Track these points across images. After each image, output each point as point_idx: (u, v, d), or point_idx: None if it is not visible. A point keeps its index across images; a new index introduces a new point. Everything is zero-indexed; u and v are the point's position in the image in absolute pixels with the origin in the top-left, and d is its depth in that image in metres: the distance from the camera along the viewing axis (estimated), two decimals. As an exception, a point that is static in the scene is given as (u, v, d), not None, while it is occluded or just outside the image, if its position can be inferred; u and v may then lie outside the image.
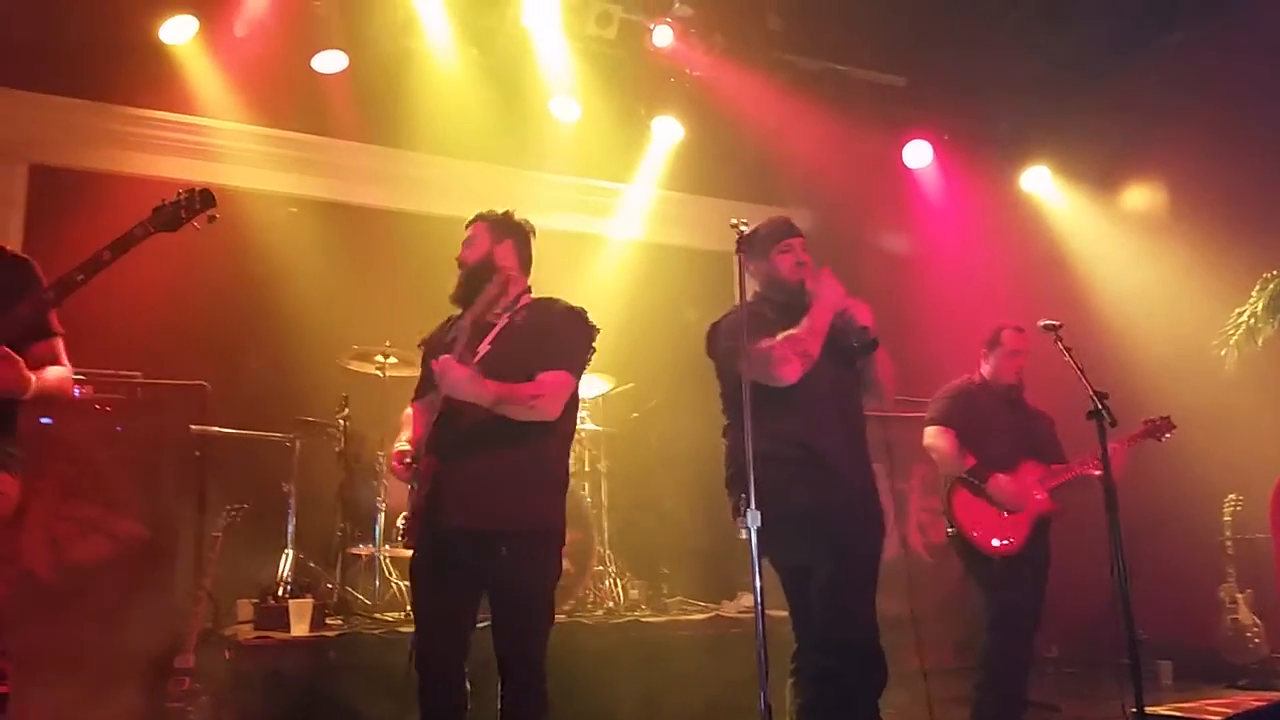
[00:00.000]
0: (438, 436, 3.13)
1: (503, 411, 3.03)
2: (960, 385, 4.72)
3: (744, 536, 2.86)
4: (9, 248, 3.00)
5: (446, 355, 3.08)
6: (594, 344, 3.26)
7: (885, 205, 7.22)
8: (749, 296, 3.47)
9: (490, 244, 3.35)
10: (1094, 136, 6.73)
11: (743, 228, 3.12)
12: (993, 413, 4.59)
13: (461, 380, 3.02)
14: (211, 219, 2.96)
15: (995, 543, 4.40)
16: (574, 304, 3.31)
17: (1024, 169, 7.19)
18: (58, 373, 2.91)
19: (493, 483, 3.06)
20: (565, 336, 3.19)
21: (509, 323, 3.25)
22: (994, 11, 6.24)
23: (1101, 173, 6.88)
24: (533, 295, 3.37)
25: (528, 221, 3.45)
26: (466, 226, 3.43)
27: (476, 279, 3.31)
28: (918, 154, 7.07)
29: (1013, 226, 7.09)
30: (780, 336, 3.26)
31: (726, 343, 3.34)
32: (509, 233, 3.38)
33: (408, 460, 3.19)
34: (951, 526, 4.51)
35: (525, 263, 3.41)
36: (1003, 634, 4.37)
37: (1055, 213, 7.13)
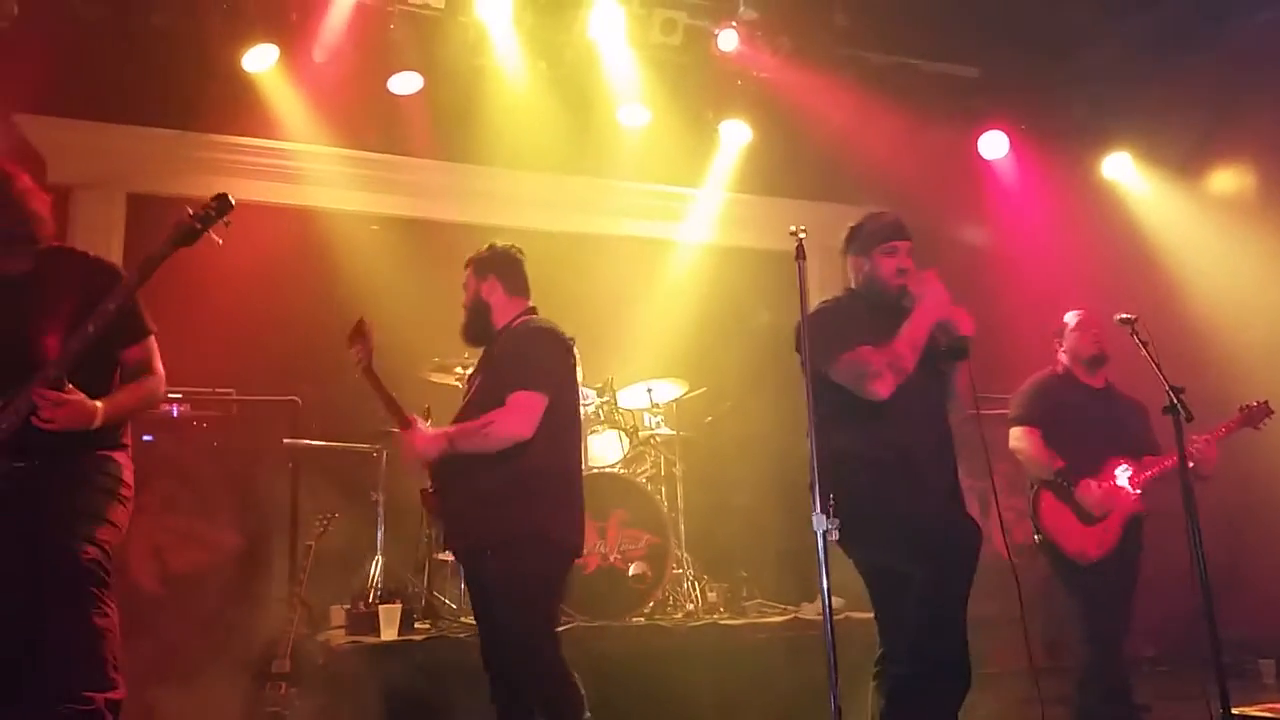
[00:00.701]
0: (432, 468, 3.47)
1: (468, 449, 3.30)
2: (1042, 379, 4.59)
3: (835, 539, 2.88)
4: (96, 256, 3.14)
5: (404, 434, 3.41)
6: (568, 355, 3.45)
7: (961, 198, 7.11)
8: (843, 290, 3.48)
9: (476, 284, 3.59)
10: (1177, 120, 6.52)
11: (801, 234, 3.12)
12: (1078, 405, 4.45)
13: (419, 454, 3.37)
14: (227, 224, 3.02)
15: (1084, 549, 4.27)
16: (544, 324, 3.50)
17: (1104, 156, 7.00)
18: (137, 390, 3.04)
19: (465, 502, 3.37)
20: (530, 355, 3.37)
21: (492, 353, 3.52)
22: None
23: (1186, 157, 6.65)
24: (532, 316, 3.57)
25: (511, 247, 3.63)
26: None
27: (472, 320, 3.59)
28: (993, 145, 6.94)
29: (1094, 216, 6.91)
30: (878, 350, 3.19)
31: (821, 329, 3.26)
32: (489, 268, 3.58)
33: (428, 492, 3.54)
34: (1039, 533, 4.39)
35: (514, 288, 3.58)
36: (1098, 642, 4.26)
37: (1138, 200, 6.94)
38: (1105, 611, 4.28)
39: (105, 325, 2.87)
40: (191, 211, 3.01)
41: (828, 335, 3.20)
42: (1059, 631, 5.30)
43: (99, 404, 2.90)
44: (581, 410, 3.72)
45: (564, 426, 3.43)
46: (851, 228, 3.48)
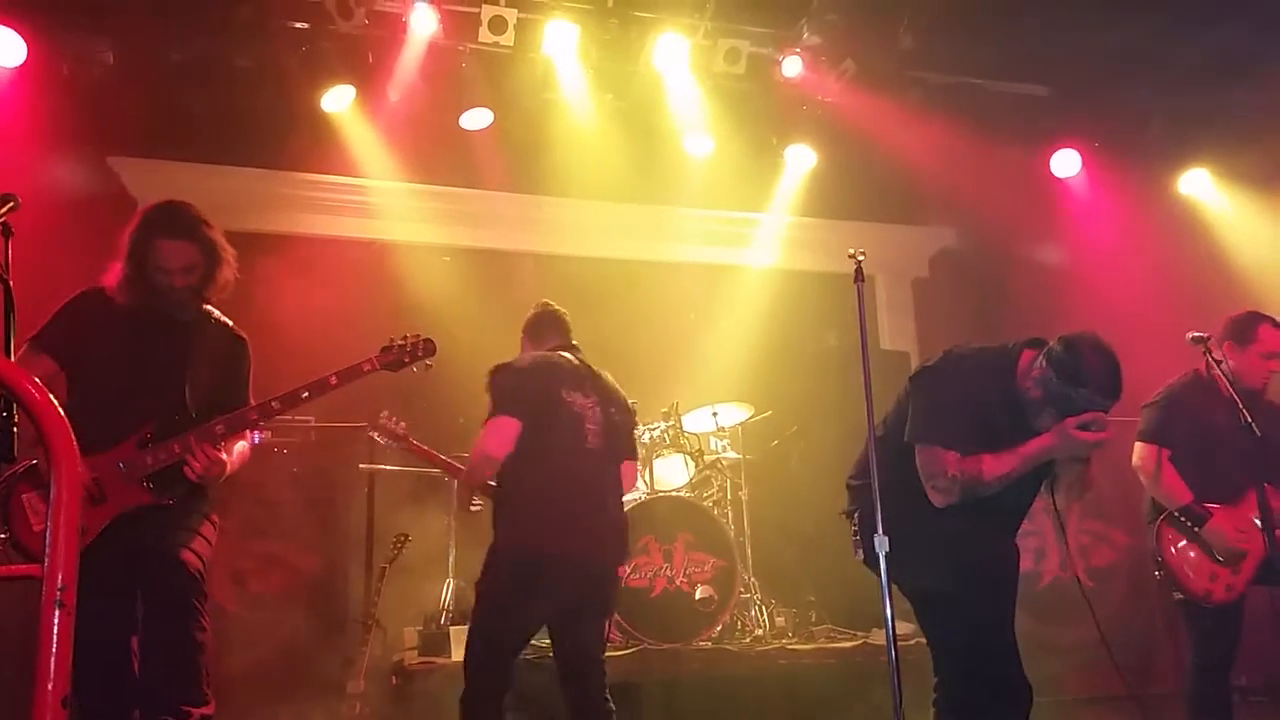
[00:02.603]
0: None
1: (473, 477, 3.64)
2: (1180, 386, 4.12)
3: (857, 558, 2.90)
4: (232, 324, 3.42)
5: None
6: (542, 379, 3.61)
7: (1033, 218, 7.00)
8: (1004, 349, 3.14)
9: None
10: (1257, 134, 6.34)
11: (859, 257, 3.13)
12: (1219, 422, 3.95)
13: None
14: (428, 367, 3.37)
15: (1210, 591, 3.93)
16: (520, 359, 3.75)
17: (1181, 172, 6.85)
18: (244, 451, 3.35)
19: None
20: (493, 385, 3.60)
21: None
22: (1142, 5, 5.96)
23: (1267, 173, 6.47)
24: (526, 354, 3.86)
25: (536, 306, 3.95)
26: None
27: None
28: (1065, 163, 6.82)
29: (1170, 233, 6.75)
30: (965, 461, 2.98)
31: (930, 398, 3.11)
32: (524, 335, 3.94)
33: None
34: (1160, 570, 4.02)
35: (536, 337, 3.88)
36: (1208, 673, 4.00)
37: (1217, 217, 6.77)
38: (1221, 645, 3.99)
39: (290, 407, 3.19)
40: (399, 343, 3.36)
41: (939, 410, 3.07)
42: (1142, 658, 5.16)
43: (228, 463, 3.19)
44: (605, 434, 3.74)
45: (553, 445, 3.53)
46: (1061, 354, 2.95)
